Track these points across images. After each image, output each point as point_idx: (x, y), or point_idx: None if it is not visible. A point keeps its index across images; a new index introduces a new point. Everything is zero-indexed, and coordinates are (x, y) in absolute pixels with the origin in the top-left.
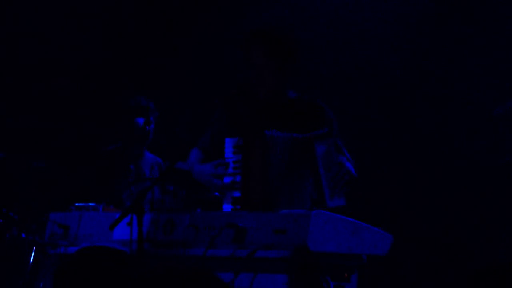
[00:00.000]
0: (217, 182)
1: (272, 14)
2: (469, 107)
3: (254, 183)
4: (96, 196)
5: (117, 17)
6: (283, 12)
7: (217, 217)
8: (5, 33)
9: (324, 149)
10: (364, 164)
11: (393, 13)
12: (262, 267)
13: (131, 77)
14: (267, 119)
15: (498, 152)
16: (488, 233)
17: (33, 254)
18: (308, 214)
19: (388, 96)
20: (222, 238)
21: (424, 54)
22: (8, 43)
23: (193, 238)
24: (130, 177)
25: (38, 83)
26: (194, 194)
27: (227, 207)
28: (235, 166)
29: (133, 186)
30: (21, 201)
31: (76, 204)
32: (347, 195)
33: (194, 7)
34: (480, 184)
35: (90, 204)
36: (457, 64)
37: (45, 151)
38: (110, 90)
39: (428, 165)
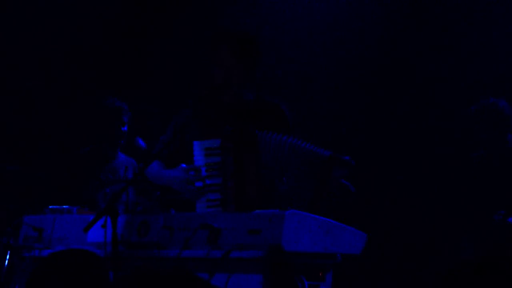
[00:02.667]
0: (190, 187)
1: (246, 16)
2: (446, 106)
3: (248, 184)
4: (70, 198)
5: (93, 17)
6: (258, 15)
7: (192, 218)
8: None
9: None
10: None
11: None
12: (237, 267)
13: (105, 78)
14: (228, 122)
15: (470, 147)
16: (462, 228)
17: (7, 257)
18: (282, 213)
19: (367, 95)
20: (197, 239)
21: (406, 52)
22: None
23: (168, 239)
24: (104, 179)
25: (11, 84)
26: (168, 195)
27: (201, 210)
28: (212, 168)
29: (107, 187)
30: None
31: (50, 207)
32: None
33: (170, 8)
34: (452, 179)
35: (64, 206)
36: (434, 62)
37: (19, 153)
38: (83, 91)
39: (400, 162)
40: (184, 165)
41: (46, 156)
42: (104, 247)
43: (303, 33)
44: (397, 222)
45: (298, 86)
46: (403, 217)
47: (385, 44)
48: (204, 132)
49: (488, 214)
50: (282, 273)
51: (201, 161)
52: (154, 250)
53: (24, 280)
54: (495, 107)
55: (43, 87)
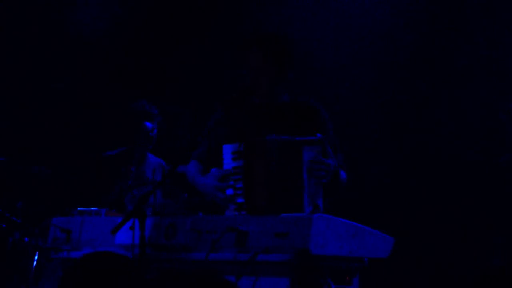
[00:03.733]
0: (220, 194)
1: (272, 19)
2: (469, 106)
3: (257, 188)
4: (98, 200)
5: (120, 21)
6: (283, 16)
7: (219, 221)
8: (5, 34)
9: (311, 155)
10: (365, 166)
11: (391, 12)
12: (264, 270)
13: (134, 81)
14: (263, 123)
15: (499, 152)
16: (490, 233)
17: (36, 258)
18: (309, 217)
19: (388, 97)
20: (224, 242)
21: (421, 52)
22: (7, 44)
23: (195, 242)
24: (131, 181)
25: (41, 86)
26: (195, 197)
27: (228, 213)
28: (236, 172)
29: (135, 189)
30: (24, 206)
31: (78, 208)
32: (335, 201)
33: (197, 11)
34: (482, 184)
35: (93, 208)
36: (456, 61)
37: (48, 155)
38: (113, 94)
39: (429, 166)
40: (214, 170)
41: (74, 158)
42: (131, 249)
43: (331, 33)
44: (427, 226)
45: (328, 87)
46: (433, 221)
47: (414, 43)
48: (234, 134)
49: None
50: (309, 277)
51: (229, 164)
52: (182, 253)
53: (51, 281)
54: None
55: (73, 89)
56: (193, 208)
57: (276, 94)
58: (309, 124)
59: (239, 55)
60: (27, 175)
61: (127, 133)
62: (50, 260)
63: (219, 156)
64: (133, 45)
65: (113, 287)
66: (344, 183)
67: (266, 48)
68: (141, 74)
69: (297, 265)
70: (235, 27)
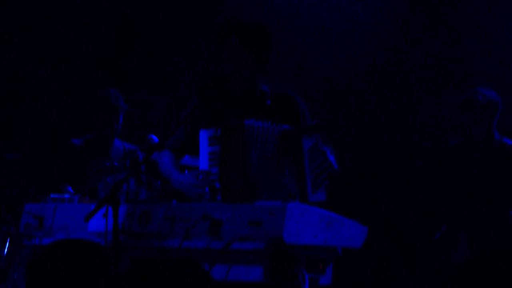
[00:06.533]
0: (198, 190)
1: (251, 6)
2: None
3: (233, 173)
4: (71, 187)
5: (94, 6)
6: (263, 5)
7: (193, 208)
8: None
9: (311, 143)
10: (340, 158)
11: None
12: (238, 259)
13: (108, 68)
14: (240, 111)
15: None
16: (456, 224)
17: (7, 244)
18: (283, 206)
19: (363, 90)
20: (198, 230)
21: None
22: None
23: (169, 230)
24: (104, 168)
25: (10, 72)
26: (169, 185)
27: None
28: (213, 157)
29: (108, 177)
30: None
31: (51, 195)
32: (328, 189)
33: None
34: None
35: (65, 195)
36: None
37: (19, 142)
38: (83, 81)
39: (400, 157)
40: (187, 158)
41: (47, 144)
42: (105, 236)
43: (311, 27)
44: (399, 215)
45: (304, 80)
46: (405, 211)
47: (387, 42)
48: (212, 120)
49: (481, 209)
50: (282, 265)
51: (205, 149)
52: (155, 241)
53: (23, 268)
54: (482, 96)
55: (43, 76)
56: (167, 196)
57: (256, 82)
58: (289, 114)
59: (217, 43)
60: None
61: (96, 120)
62: (22, 247)
63: (195, 143)
64: (107, 31)
65: (82, 274)
66: (337, 171)
67: (245, 36)
68: (115, 60)
69: (271, 254)
70: (212, 13)
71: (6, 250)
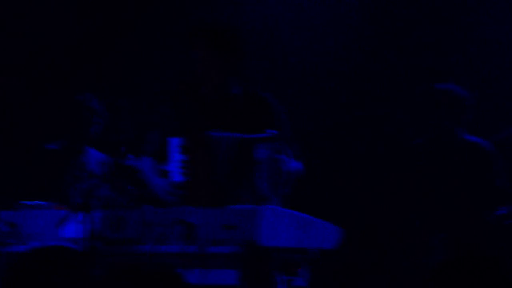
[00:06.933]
0: (171, 197)
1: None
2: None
3: (199, 183)
4: (43, 194)
5: (62, 9)
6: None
7: (167, 213)
8: None
9: (264, 152)
10: (314, 158)
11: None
12: (212, 263)
13: (76, 73)
14: (212, 116)
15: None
16: (431, 226)
17: None
18: (258, 209)
19: (337, 89)
20: (172, 235)
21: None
22: None
23: (143, 235)
24: (75, 174)
25: None
26: (143, 190)
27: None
28: (183, 165)
29: (78, 183)
30: None
31: (22, 202)
32: (291, 193)
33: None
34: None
35: (37, 202)
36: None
37: None
38: (54, 86)
39: (378, 158)
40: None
41: (18, 150)
42: (79, 243)
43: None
44: (375, 216)
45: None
46: (381, 210)
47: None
48: (183, 127)
49: (452, 211)
50: (258, 268)
51: (175, 157)
52: (130, 246)
53: None
54: (445, 90)
55: (14, 81)
56: (141, 201)
57: (226, 86)
58: (261, 116)
59: (184, 47)
60: None
61: (68, 125)
62: None
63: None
64: (75, 34)
65: (59, 280)
66: (299, 174)
67: (212, 38)
68: (83, 65)
69: (246, 257)
70: (181, 16)
71: None
